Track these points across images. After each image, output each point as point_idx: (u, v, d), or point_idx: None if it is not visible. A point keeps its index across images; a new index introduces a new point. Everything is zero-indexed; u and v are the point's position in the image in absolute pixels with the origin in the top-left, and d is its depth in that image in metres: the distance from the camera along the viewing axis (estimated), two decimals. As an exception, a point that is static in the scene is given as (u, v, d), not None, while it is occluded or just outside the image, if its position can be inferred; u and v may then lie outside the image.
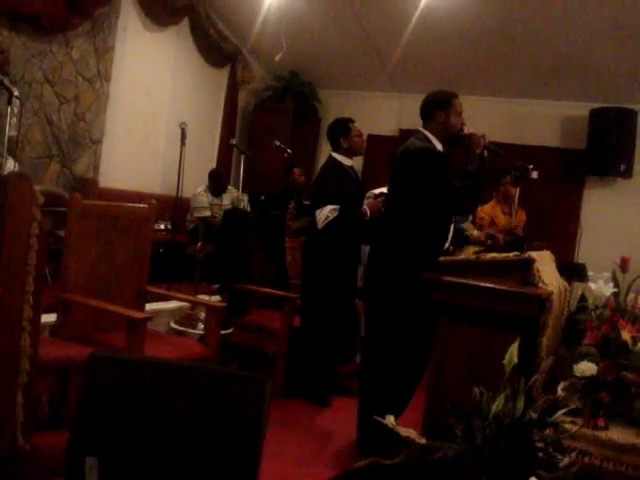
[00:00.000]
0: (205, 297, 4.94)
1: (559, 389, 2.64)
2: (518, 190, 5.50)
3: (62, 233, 3.62)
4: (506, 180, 5.93)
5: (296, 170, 6.70)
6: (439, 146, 3.53)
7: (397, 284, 3.43)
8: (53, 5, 5.37)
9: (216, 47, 7.82)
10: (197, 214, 6.62)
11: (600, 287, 2.84)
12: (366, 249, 4.87)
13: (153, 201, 3.96)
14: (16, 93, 4.12)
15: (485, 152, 3.50)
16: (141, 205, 3.90)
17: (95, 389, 1.54)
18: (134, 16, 6.62)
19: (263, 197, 6.91)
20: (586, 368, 2.54)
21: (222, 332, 4.10)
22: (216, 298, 5.02)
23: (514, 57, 7.18)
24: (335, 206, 4.39)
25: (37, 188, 2.26)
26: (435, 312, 2.99)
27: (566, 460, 1.97)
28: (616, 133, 7.31)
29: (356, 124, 4.72)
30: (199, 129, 7.47)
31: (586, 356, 2.61)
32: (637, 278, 2.90)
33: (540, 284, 2.84)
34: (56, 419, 3.26)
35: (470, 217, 5.60)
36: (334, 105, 8.97)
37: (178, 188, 5.35)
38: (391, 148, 8.05)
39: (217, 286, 5.27)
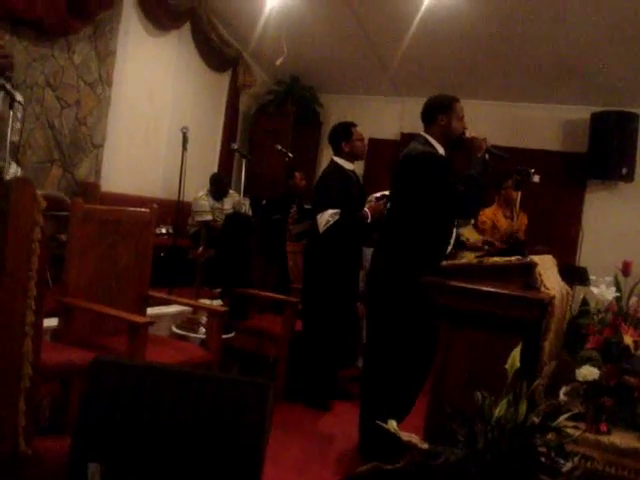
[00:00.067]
0: (206, 301, 4.93)
1: (561, 394, 2.63)
2: (520, 194, 5.49)
3: (64, 237, 3.62)
4: (507, 184, 5.92)
5: (297, 174, 6.70)
6: (441, 150, 3.52)
7: (399, 288, 3.42)
8: (55, 10, 5.38)
9: (217, 51, 7.83)
10: (198, 218, 6.62)
11: (602, 291, 2.85)
12: (367, 252, 4.90)
13: (154, 205, 3.95)
14: (18, 98, 4.12)
15: (487, 155, 3.50)
16: (143, 209, 3.90)
17: (97, 394, 1.54)
18: (136, 20, 6.63)
19: (264, 201, 6.91)
20: (588, 372, 2.54)
21: (223, 336, 4.10)
22: (217, 302, 5.02)
23: (515, 61, 7.19)
24: (336, 210, 4.39)
25: (39, 193, 2.26)
26: (437, 316, 2.98)
27: (569, 465, 1.97)
28: (617, 136, 7.31)
29: (358, 128, 4.72)
30: (200, 133, 7.47)
31: (588, 360, 2.61)
32: (639, 282, 2.90)
33: (542, 288, 2.83)
34: (57, 423, 3.25)
35: (472, 221, 5.60)
36: (335, 109, 8.98)
37: (180, 192, 5.36)
38: (392, 152, 8.08)
39: (218, 290, 5.26)
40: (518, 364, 2.02)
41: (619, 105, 7.34)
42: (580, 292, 5.06)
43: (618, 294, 2.87)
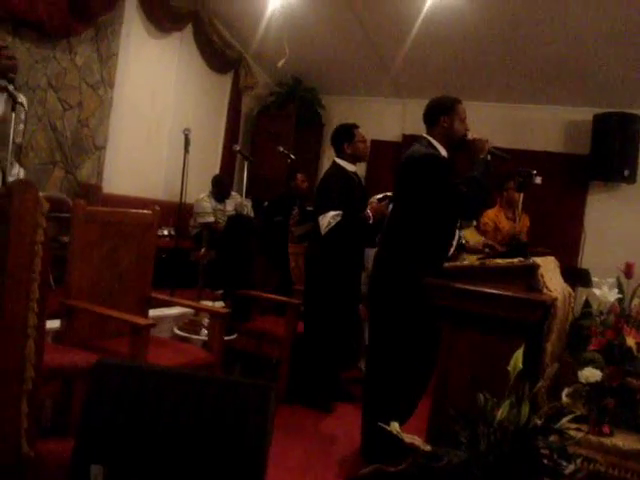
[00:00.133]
0: (209, 303, 4.94)
1: (563, 395, 2.63)
2: (522, 195, 5.49)
3: (66, 239, 3.62)
4: (510, 185, 5.93)
5: (299, 176, 6.70)
6: (443, 152, 3.52)
7: (402, 290, 3.42)
8: (57, 11, 5.39)
9: (219, 53, 7.84)
10: (200, 220, 6.62)
11: (604, 293, 2.84)
12: (369, 254, 4.89)
13: (156, 207, 3.96)
14: (20, 99, 4.13)
15: (489, 157, 3.50)
16: (145, 211, 3.90)
17: (100, 397, 1.54)
18: (138, 22, 6.63)
19: (266, 203, 6.91)
20: (591, 374, 2.54)
21: (225, 338, 4.10)
22: (219, 304, 5.02)
23: (517, 62, 7.19)
24: (338, 212, 4.39)
25: (41, 194, 2.26)
26: (439, 318, 2.98)
27: (571, 467, 1.96)
28: (620, 138, 7.30)
29: (360, 130, 4.72)
30: (202, 135, 7.48)
31: (591, 362, 2.61)
32: (642, 284, 2.90)
33: (544, 290, 2.83)
34: (59, 425, 3.25)
35: (474, 223, 5.60)
36: (337, 111, 8.98)
37: (181, 194, 5.36)
38: (394, 153, 8.09)
39: (220, 292, 5.26)
40: (520, 366, 2.02)
41: (621, 107, 7.33)
42: (582, 294, 5.07)
43: (620, 296, 2.87)
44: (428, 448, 2.06)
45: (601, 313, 2.90)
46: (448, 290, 2.91)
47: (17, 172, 4.60)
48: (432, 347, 3.16)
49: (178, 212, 5.53)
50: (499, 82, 7.74)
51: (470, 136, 3.54)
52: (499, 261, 2.98)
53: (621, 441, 2.43)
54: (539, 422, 1.98)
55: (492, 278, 2.90)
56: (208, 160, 8.02)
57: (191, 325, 4.84)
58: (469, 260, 3.40)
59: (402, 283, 3.42)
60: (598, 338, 2.73)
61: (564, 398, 2.59)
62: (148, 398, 1.53)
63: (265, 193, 7.31)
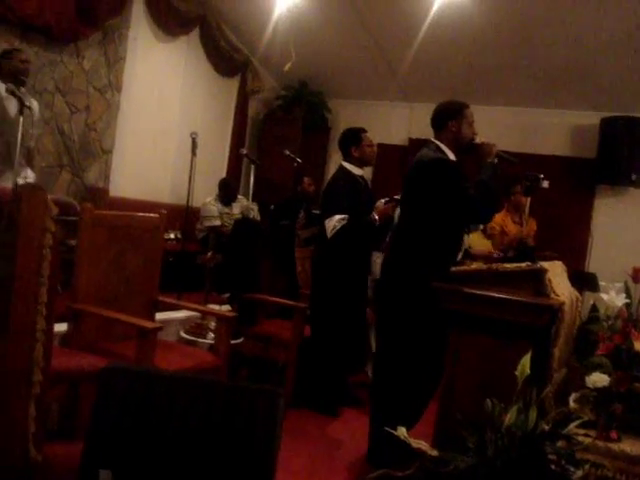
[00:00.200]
0: (215, 306, 4.94)
1: (571, 400, 2.62)
2: (529, 199, 5.48)
3: (73, 242, 3.63)
4: (516, 189, 5.92)
5: (306, 179, 6.71)
6: (452, 156, 3.51)
7: (410, 295, 3.41)
8: (64, 16, 5.42)
9: (226, 57, 7.86)
10: (207, 223, 6.62)
11: (612, 298, 2.84)
12: (374, 258, 4.89)
13: (163, 211, 3.96)
14: (28, 103, 4.14)
15: (496, 160, 3.49)
16: (152, 215, 3.90)
17: (108, 401, 1.54)
18: (145, 26, 6.65)
19: (273, 206, 6.91)
20: (598, 379, 2.53)
21: (232, 342, 4.10)
22: (226, 307, 5.02)
23: (525, 66, 7.18)
24: (344, 215, 4.39)
25: (49, 197, 2.27)
26: (446, 322, 2.97)
27: (579, 473, 1.96)
28: (627, 142, 7.29)
29: (368, 134, 4.71)
30: (209, 138, 7.49)
31: (598, 367, 2.60)
32: (650, 289, 2.89)
33: (552, 294, 2.83)
34: (66, 428, 3.26)
35: (481, 227, 5.59)
36: (343, 114, 9.00)
37: (188, 197, 5.37)
38: (401, 157, 8.08)
39: (227, 295, 5.26)
40: (528, 371, 2.01)
41: (629, 110, 7.32)
42: (590, 298, 5.06)
43: (628, 300, 2.87)
44: (435, 453, 2.05)
45: (608, 318, 2.89)
46: (456, 294, 2.90)
47: (26, 175, 4.62)
48: (440, 352, 3.15)
49: (185, 215, 5.53)
50: (506, 86, 7.74)
51: (478, 140, 3.54)
52: (507, 265, 2.97)
53: (629, 447, 2.42)
54: (547, 427, 1.97)
55: (499, 282, 2.89)
56: (215, 164, 8.04)
57: (198, 328, 4.84)
58: (476, 264, 3.38)
59: (410, 287, 3.41)
60: (606, 343, 2.72)
61: (572, 403, 2.58)
62: (156, 403, 1.53)
63: (272, 197, 7.32)
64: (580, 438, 2.09)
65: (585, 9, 6.01)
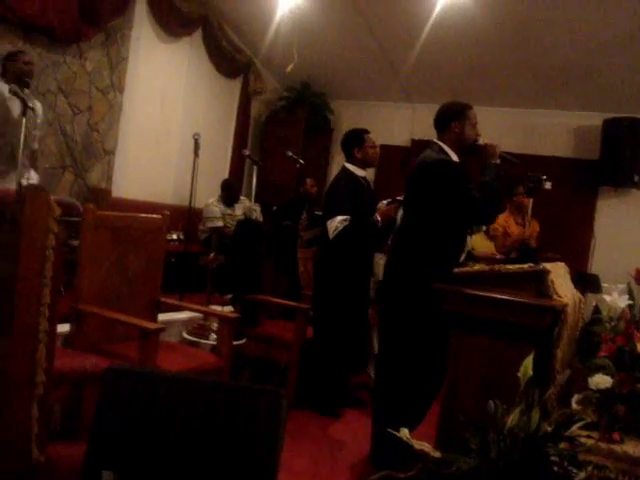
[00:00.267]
0: (217, 307, 4.93)
1: (573, 402, 2.62)
2: (531, 201, 5.48)
3: (75, 243, 3.64)
4: (519, 191, 5.92)
5: (308, 180, 6.71)
6: (454, 157, 3.51)
7: (413, 296, 3.41)
8: (67, 16, 5.42)
9: (229, 58, 7.86)
10: (209, 224, 6.62)
11: (615, 299, 2.83)
12: (376, 259, 4.89)
13: (166, 211, 3.97)
14: (30, 105, 4.14)
15: (499, 161, 3.49)
16: (154, 215, 3.91)
17: (111, 403, 1.54)
18: (147, 27, 6.65)
19: (275, 207, 6.92)
20: (601, 381, 2.53)
21: (234, 343, 4.10)
22: (228, 308, 5.02)
23: (527, 67, 7.18)
24: (346, 216, 4.38)
25: (52, 198, 2.27)
26: (449, 324, 2.97)
27: (582, 474, 1.96)
28: (630, 143, 7.28)
29: (370, 135, 4.71)
30: (212, 139, 7.49)
31: (601, 368, 2.60)
32: (652, 290, 2.89)
33: (554, 296, 2.82)
34: (69, 429, 3.26)
35: (484, 228, 5.59)
36: (346, 115, 8.99)
37: (191, 198, 5.37)
38: (403, 158, 8.08)
39: (229, 296, 5.26)
40: (531, 372, 2.01)
41: (631, 111, 7.31)
42: (592, 300, 5.04)
43: (631, 302, 2.86)
44: (438, 455, 2.05)
45: (611, 319, 2.89)
46: (458, 295, 2.90)
47: (31, 177, 4.62)
48: (443, 353, 3.15)
49: (187, 216, 5.53)
50: (509, 87, 7.73)
51: (481, 141, 3.53)
52: (509, 267, 2.97)
53: (632, 448, 2.41)
54: (549, 429, 1.97)
55: (502, 284, 2.89)
56: (217, 165, 8.04)
57: (200, 329, 4.83)
58: (479, 265, 3.38)
59: (413, 288, 3.41)
60: (608, 344, 2.71)
61: (574, 405, 2.58)
62: (159, 404, 1.53)
63: (274, 198, 7.32)
64: (583, 440, 2.09)
65: (587, 10, 6.00)
